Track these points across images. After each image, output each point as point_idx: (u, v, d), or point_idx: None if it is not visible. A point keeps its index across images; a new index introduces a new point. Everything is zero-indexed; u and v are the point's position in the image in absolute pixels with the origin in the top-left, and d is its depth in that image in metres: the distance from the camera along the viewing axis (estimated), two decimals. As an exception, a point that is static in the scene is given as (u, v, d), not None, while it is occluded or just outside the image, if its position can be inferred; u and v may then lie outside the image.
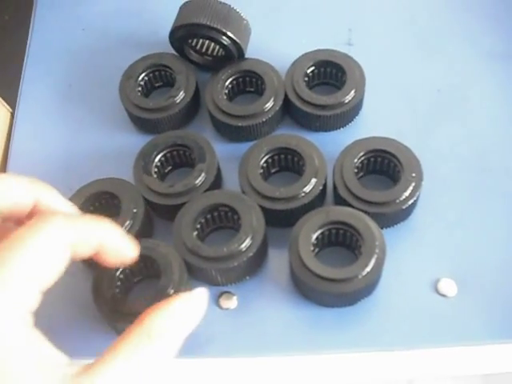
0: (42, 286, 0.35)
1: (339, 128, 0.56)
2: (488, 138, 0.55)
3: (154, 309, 0.38)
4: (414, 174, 0.50)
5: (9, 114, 0.62)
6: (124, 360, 0.35)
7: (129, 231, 0.49)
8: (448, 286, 0.49)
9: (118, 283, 0.47)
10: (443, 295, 0.49)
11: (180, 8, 0.57)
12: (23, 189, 0.39)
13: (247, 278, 0.50)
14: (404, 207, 0.49)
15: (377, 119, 0.57)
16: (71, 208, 0.42)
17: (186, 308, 0.40)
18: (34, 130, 0.60)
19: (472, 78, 0.59)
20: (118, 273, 0.47)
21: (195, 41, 0.58)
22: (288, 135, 0.53)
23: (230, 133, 0.56)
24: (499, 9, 0.63)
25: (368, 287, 0.47)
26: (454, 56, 0.60)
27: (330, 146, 0.53)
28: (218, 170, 0.53)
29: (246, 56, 0.58)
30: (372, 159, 0.52)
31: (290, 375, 0.48)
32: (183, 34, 0.56)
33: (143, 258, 0.45)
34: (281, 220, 0.51)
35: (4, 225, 0.40)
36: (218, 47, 0.58)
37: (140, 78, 0.58)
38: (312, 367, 0.48)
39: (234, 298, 0.49)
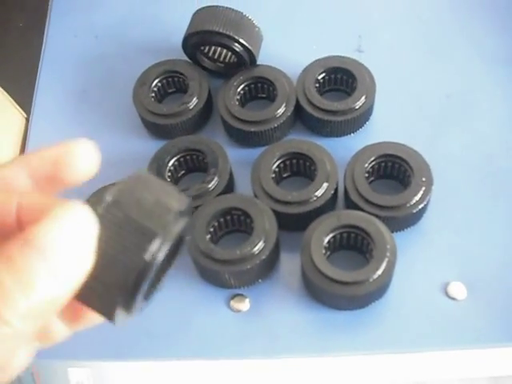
0: None
1: (350, 133, 0.57)
2: (497, 142, 0.56)
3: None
4: (424, 179, 0.50)
5: (24, 120, 0.63)
6: None
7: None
8: (458, 289, 0.49)
9: None
10: (453, 298, 0.49)
11: (193, 15, 0.58)
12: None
13: (259, 280, 0.50)
14: (414, 211, 0.50)
15: (387, 125, 0.58)
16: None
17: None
18: (49, 136, 0.61)
19: (480, 84, 0.60)
20: None
21: (208, 48, 0.59)
22: (299, 140, 0.54)
23: (243, 138, 0.57)
24: (507, 14, 0.64)
25: (379, 290, 0.48)
26: (462, 62, 0.61)
27: (341, 151, 0.54)
28: (231, 174, 0.54)
29: (258, 62, 0.58)
30: (383, 164, 0.53)
31: (301, 377, 0.49)
32: (196, 41, 0.57)
33: None
34: (293, 224, 0.51)
35: None
36: (230, 54, 0.59)
37: (153, 84, 0.59)
38: (323, 369, 0.48)
39: (247, 300, 0.50)
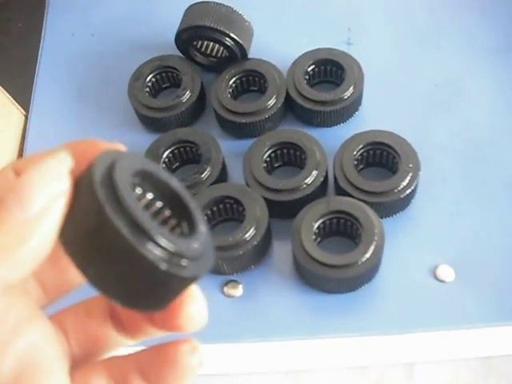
0: None
1: (340, 123, 0.58)
2: (483, 129, 0.57)
3: None
4: (411, 165, 0.51)
5: (23, 117, 0.64)
6: None
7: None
8: (446, 272, 0.51)
9: None
10: (441, 281, 0.50)
11: (185, 11, 0.59)
12: None
13: (252, 266, 0.52)
14: (402, 196, 0.51)
15: (376, 114, 0.59)
16: None
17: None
18: (47, 132, 0.63)
19: (468, 73, 0.61)
20: None
21: (200, 43, 0.61)
22: (290, 130, 0.55)
23: (235, 130, 0.58)
24: (495, 4, 0.65)
25: (368, 273, 0.49)
26: (450, 51, 0.62)
27: (331, 141, 0.55)
28: (223, 164, 0.55)
29: (249, 56, 0.60)
30: (371, 152, 0.54)
31: (293, 359, 0.50)
32: (188, 37, 0.58)
33: None
34: (284, 211, 0.52)
35: None
36: (221, 48, 0.60)
37: (148, 79, 0.60)
38: (315, 351, 0.49)
39: (240, 286, 0.51)
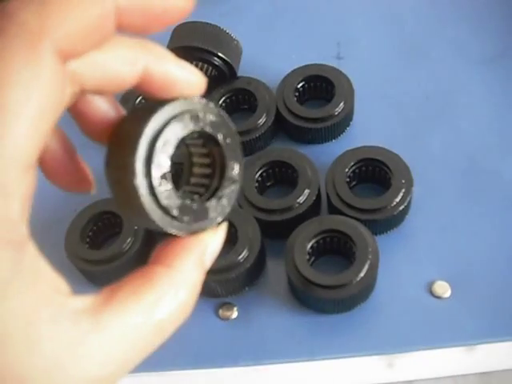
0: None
1: (331, 140, 0.58)
2: (476, 142, 0.57)
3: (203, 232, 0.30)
4: (403, 181, 0.51)
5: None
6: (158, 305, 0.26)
7: (130, 248, 0.51)
8: (442, 288, 0.50)
9: None
10: (438, 297, 0.50)
11: (172, 31, 0.59)
12: (130, 58, 0.27)
13: (246, 288, 0.51)
14: (395, 213, 0.50)
15: (368, 129, 0.59)
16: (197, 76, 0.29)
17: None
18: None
19: (459, 84, 0.60)
20: None
21: (188, 63, 0.60)
22: (281, 149, 0.55)
23: (226, 149, 0.58)
24: (484, 14, 0.65)
25: (363, 292, 0.48)
26: (441, 63, 0.62)
27: (323, 158, 0.55)
28: (215, 185, 0.54)
29: (239, 74, 0.60)
30: (363, 168, 0.53)
31: (291, 381, 0.49)
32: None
33: None
34: (278, 231, 0.52)
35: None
36: (210, 68, 0.60)
37: (137, 101, 0.60)
38: (312, 373, 0.49)
39: (234, 308, 0.51)
